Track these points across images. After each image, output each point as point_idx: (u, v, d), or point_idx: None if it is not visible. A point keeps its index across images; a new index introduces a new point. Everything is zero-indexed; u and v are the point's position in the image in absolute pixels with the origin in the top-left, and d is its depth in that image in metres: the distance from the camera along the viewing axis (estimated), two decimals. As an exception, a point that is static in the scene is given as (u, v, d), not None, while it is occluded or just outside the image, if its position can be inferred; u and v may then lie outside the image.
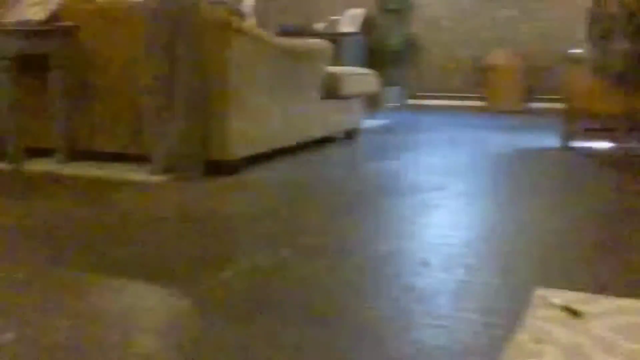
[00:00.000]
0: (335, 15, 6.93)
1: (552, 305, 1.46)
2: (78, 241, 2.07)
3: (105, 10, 3.27)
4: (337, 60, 6.62)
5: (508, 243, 1.98)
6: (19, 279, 1.73)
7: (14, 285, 1.68)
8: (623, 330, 1.32)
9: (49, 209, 2.49)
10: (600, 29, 3.48)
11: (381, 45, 6.73)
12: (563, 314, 1.41)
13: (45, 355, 1.28)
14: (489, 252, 1.90)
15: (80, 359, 1.26)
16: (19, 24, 3.20)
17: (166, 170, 3.06)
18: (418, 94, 6.95)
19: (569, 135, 3.89)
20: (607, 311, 1.42)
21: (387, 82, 6.83)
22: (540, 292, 1.53)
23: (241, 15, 3.14)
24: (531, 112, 6.22)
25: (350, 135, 4.35)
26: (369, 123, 5.05)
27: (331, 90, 3.93)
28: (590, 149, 3.85)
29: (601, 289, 1.56)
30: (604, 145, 3.87)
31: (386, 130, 4.77)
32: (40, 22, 3.24)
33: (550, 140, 4.10)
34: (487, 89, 6.41)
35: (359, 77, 4.18)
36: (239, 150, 3.12)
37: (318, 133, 3.86)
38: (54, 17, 3.32)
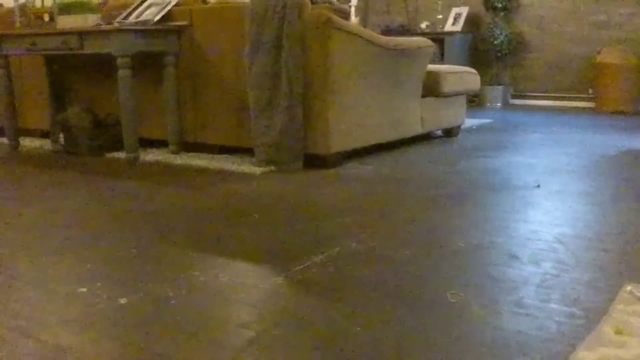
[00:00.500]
0: (439, 14, 6.91)
1: (639, 298, 1.46)
2: (185, 223, 2.24)
3: (217, 10, 3.47)
4: (441, 59, 6.63)
5: (602, 242, 1.96)
6: (132, 254, 1.90)
7: (128, 259, 1.86)
8: None
9: (161, 194, 2.69)
10: None
11: (486, 44, 6.66)
12: (650, 309, 1.41)
13: (152, 319, 1.43)
14: (581, 249, 1.89)
15: (181, 325, 1.40)
16: (138, 24, 3.45)
17: (268, 162, 3.21)
18: (523, 93, 6.81)
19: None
20: (697, 308, 1.41)
21: (492, 81, 6.74)
22: (629, 287, 1.53)
23: (344, 14, 3.24)
24: (644, 113, 5.95)
25: (450, 133, 4.36)
26: (471, 122, 5.03)
27: (432, 88, 3.96)
28: None
29: (694, 287, 1.53)
30: None
31: (488, 129, 4.73)
32: (156, 22, 3.47)
33: (661, 142, 3.94)
34: (597, 88, 6.19)
35: (460, 75, 4.18)
36: (338, 144, 3.22)
37: (417, 130, 3.90)
38: (169, 17, 3.55)
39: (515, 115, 5.72)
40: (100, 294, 1.58)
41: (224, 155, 3.56)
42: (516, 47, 6.68)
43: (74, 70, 4.18)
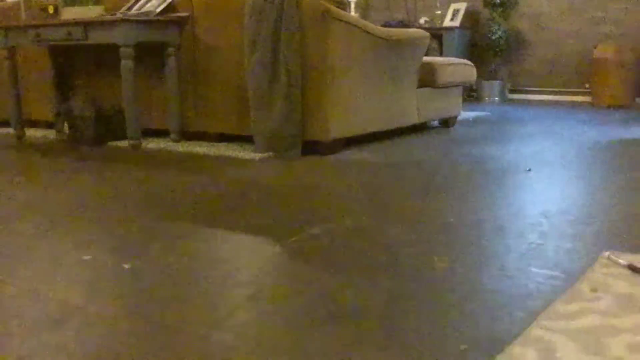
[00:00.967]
0: (438, 10, 6.99)
1: (617, 264, 1.54)
2: (187, 202, 2.32)
3: (218, 1, 3.55)
4: (439, 54, 6.70)
5: (586, 218, 2.04)
6: (135, 228, 1.99)
7: (131, 232, 1.94)
8: (681, 285, 1.39)
9: (163, 177, 2.78)
10: None
11: (484, 40, 6.74)
12: (625, 271, 1.49)
13: (154, 281, 1.51)
14: (565, 223, 1.97)
15: (181, 286, 1.48)
16: (140, 15, 3.53)
17: (268, 149, 3.29)
18: (521, 88, 6.89)
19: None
20: (670, 271, 1.49)
21: (489, 76, 6.82)
22: (607, 253, 1.61)
23: (342, 5, 3.33)
24: None
25: (446, 124, 4.44)
26: (468, 115, 5.10)
27: (428, 79, 4.04)
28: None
29: (669, 253, 1.61)
30: None
31: (484, 121, 4.81)
32: (159, 14, 3.56)
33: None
34: (593, 83, 6.26)
35: (456, 67, 4.26)
36: (336, 131, 3.30)
37: (413, 120, 3.98)
38: (171, 9, 3.64)
39: (512, 109, 5.81)
40: (104, 261, 1.66)
41: (224, 144, 3.65)
42: (514, 42, 6.76)
43: (77, 61, 4.26)
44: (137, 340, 1.18)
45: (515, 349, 1.12)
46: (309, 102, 3.23)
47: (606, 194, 2.38)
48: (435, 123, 4.51)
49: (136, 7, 3.69)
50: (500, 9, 6.67)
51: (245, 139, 3.60)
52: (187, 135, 3.80)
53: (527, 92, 6.86)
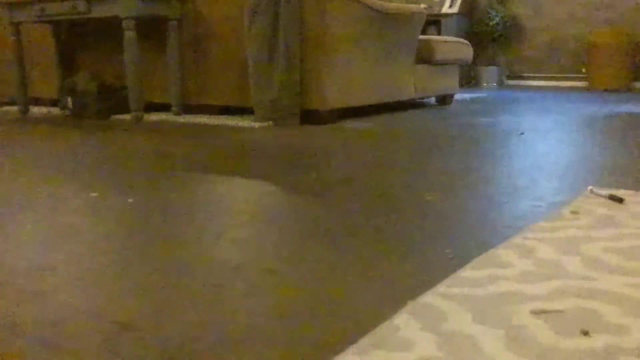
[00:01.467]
0: (436, -3, 7.06)
1: (598, 195, 1.61)
2: (189, 157, 2.40)
3: (218, -24, 3.63)
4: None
5: (573, 166, 2.11)
6: (140, 176, 2.06)
7: (136, 179, 2.02)
8: (658, 208, 1.46)
9: (165, 141, 2.85)
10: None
11: (482, 26, 6.81)
12: (606, 201, 1.56)
13: (157, 212, 1.58)
14: (554, 169, 2.05)
15: (183, 213, 1.55)
16: (143, -11, 3.61)
17: (267, 118, 3.37)
18: (519, 74, 6.96)
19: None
20: (649, 199, 1.56)
21: (487, 62, 6.89)
22: (590, 187, 1.68)
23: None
24: (636, 90, 6.09)
25: (443, 101, 4.51)
26: (465, 96, 5.17)
27: (425, 56, 4.11)
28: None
29: (650, 188, 1.69)
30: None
31: (481, 101, 4.88)
32: (161, -12, 3.63)
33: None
34: (590, 68, 6.33)
35: (453, 45, 4.33)
36: (333, 102, 3.38)
37: (410, 95, 4.05)
38: (173, -17, 3.71)
39: (509, 93, 5.87)
40: (110, 196, 1.73)
41: (224, 116, 3.72)
42: (511, 28, 6.83)
43: (80, 38, 4.34)
44: (142, 254, 1.26)
45: (498, 251, 1.19)
46: (308, 72, 3.31)
47: (594, 149, 2.45)
48: (433, 101, 4.57)
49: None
50: (498, -4, 6.74)
51: (245, 111, 3.67)
52: (189, 108, 3.88)
53: (524, 77, 6.93)
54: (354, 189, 1.79)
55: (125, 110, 3.78)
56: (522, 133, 2.91)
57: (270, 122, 3.36)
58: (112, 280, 1.08)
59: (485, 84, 6.79)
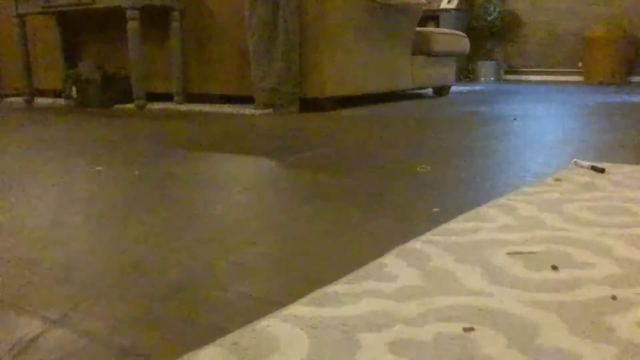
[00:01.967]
0: (435, -8, 7.14)
1: (581, 167, 1.69)
2: (192, 138, 2.48)
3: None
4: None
5: (561, 143, 2.19)
6: (144, 154, 2.15)
7: (142, 154, 2.10)
8: (637, 178, 1.54)
9: (168, 126, 2.93)
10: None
11: (480, 21, 6.89)
12: (589, 171, 1.64)
13: (161, 182, 1.67)
14: (541, 147, 2.13)
15: (186, 184, 1.64)
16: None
17: (267, 106, 3.45)
18: (516, 69, 7.04)
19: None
20: (628, 170, 1.65)
21: (485, 57, 6.97)
22: (574, 160, 1.76)
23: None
24: (631, 84, 6.17)
25: (440, 92, 4.59)
26: (462, 89, 5.25)
27: (422, 47, 4.19)
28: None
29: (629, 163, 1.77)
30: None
31: (478, 93, 4.96)
32: (164, -21, 3.72)
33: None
34: (586, 62, 6.41)
35: (449, 37, 4.41)
36: (332, 89, 3.46)
37: (408, 85, 4.13)
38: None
39: (506, 86, 5.95)
40: (116, 169, 1.82)
41: (225, 104, 3.80)
42: (509, 23, 6.91)
43: (84, 29, 4.42)
44: (149, 211, 1.34)
45: (482, 209, 1.27)
46: (307, 60, 3.39)
47: (582, 131, 2.53)
48: (430, 92, 4.66)
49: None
50: (495, -9, 6.81)
51: (246, 100, 3.75)
52: (191, 97, 3.96)
53: (522, 72, 7.01)
54: (350, 163, 1.88)
55: (129, 99, 3.87)
56: (515, 119, 2.99)
57: (271, 109, 3.44)
58: (121, 232, 1.17)
59: (483, 79, 6.87)
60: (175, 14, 3.79)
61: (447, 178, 1.63)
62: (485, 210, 1.26)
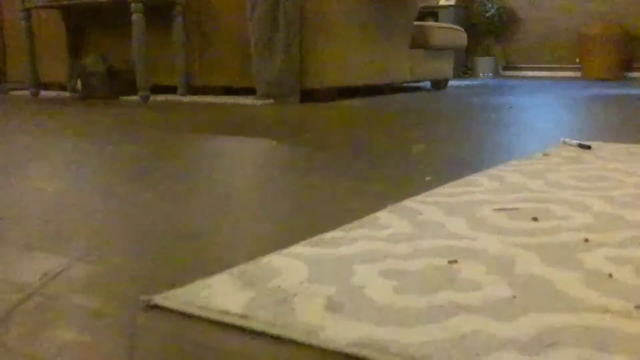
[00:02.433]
0: (434, -10, 7.22)
1: (569, 144, 1.77)
2: (193, 125, 2.56)
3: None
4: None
5: (552, 128, 2.27)
6: (152, 135, 2.23)
7: (149, 136, 2.18)
8: (621, 154, 1.62)
9: (171, 115, 3.01)
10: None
11: (478, 17, 6.96)
12: (576, 148, 1.72)
13: (158, 156, 1.75)
14: (534, 131, 2.21)
15: (181, 159, 1.72)
16: (150, -26, 3.77)
17: (268, 96, 3.53)
18: (514, 65, 7.12)
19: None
20: (614, 148, 1.72)
21: (484, 53, 7.05)
22: (562, 139, 1.84)
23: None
24: (627, 80, 6.25)
25: (437, 85, 4.67)
26: (460, 83, 5.33)
27: (420, 41, 4.27)
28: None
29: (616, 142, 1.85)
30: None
31: (476, 87, 5.03)
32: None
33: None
34: (583, 58, 6.49)
35: (447, 31, 4.49)
36: (331, 81, 3.54)
37: (406, 77, 4.21)
38: (178, -31, 3.88)
39: (504, 81, 6.03)
40: (125, 149, 1.90)
41: (228, 96, 3.88)
42: (507, 20, 6.98)
43: (89, 22, 4.50)
44: (156, 181, 1.42)
45: (472, 177, 1.35)
46: (307, 52, 3.47)
47: (574, 117, 2.61)
48: (428, 86, 4.73)
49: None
50: (494, -12, 6.89)
51: (247, 92, 3.83)
52: (194, 89, 4.04)
53: (520, 68, 7.09)
54: (348, 144, 1.96)
55: (133, 91, 3.94)
56: (511, 107, 3.07)
57: (272, 100, 3.52)
58: (135, 197, 1.25)
59: (481, 75, 6.95)
60: (179, 7, 3.87)
61: (440, 155, 1.71)
62: (475, 178, 1.34)
